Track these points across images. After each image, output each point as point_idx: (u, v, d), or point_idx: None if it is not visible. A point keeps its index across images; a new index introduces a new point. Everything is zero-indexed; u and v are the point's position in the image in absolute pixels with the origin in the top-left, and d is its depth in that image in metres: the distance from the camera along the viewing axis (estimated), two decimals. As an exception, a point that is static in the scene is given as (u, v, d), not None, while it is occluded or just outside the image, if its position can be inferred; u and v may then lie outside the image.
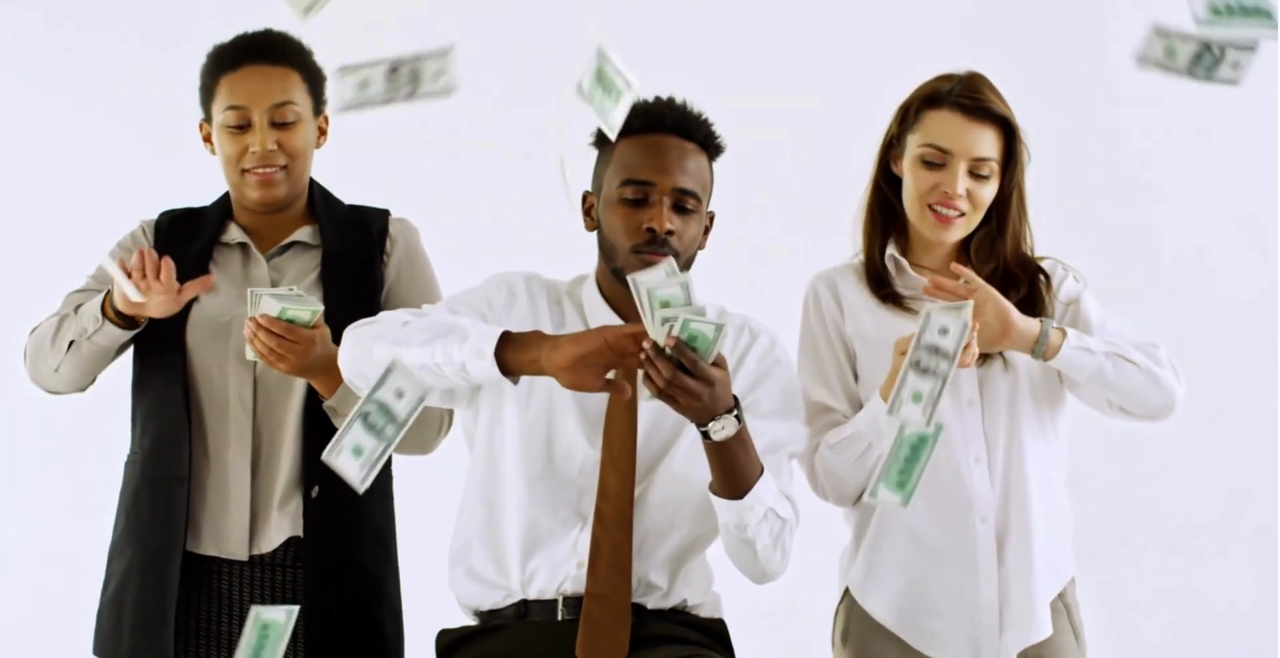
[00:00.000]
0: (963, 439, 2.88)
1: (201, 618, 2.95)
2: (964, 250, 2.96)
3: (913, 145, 2.91)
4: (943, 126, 2.88)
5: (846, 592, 2.97)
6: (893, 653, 2.91)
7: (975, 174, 2.87)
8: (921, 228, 2.92)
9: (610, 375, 2.52)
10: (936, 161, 2.87)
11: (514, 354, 2.52)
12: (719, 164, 2.81)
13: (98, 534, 3.07)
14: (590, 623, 2.67)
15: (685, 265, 2.73)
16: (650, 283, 2.45)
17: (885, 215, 2.97)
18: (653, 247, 2.68)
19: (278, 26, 3.00)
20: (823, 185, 4.49)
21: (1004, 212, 2.92)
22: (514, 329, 2.57)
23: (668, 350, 2.46)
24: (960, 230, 2.91)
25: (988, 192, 2.89)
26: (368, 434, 2.21)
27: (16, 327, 3.09)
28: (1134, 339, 2.86)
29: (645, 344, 2.46)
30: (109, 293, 2.88)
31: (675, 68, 4.31)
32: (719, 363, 2.50)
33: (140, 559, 2.94)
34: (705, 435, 2.55)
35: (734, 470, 2.59)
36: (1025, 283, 2.92)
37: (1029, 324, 2.80)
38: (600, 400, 2.73)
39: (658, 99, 2.77)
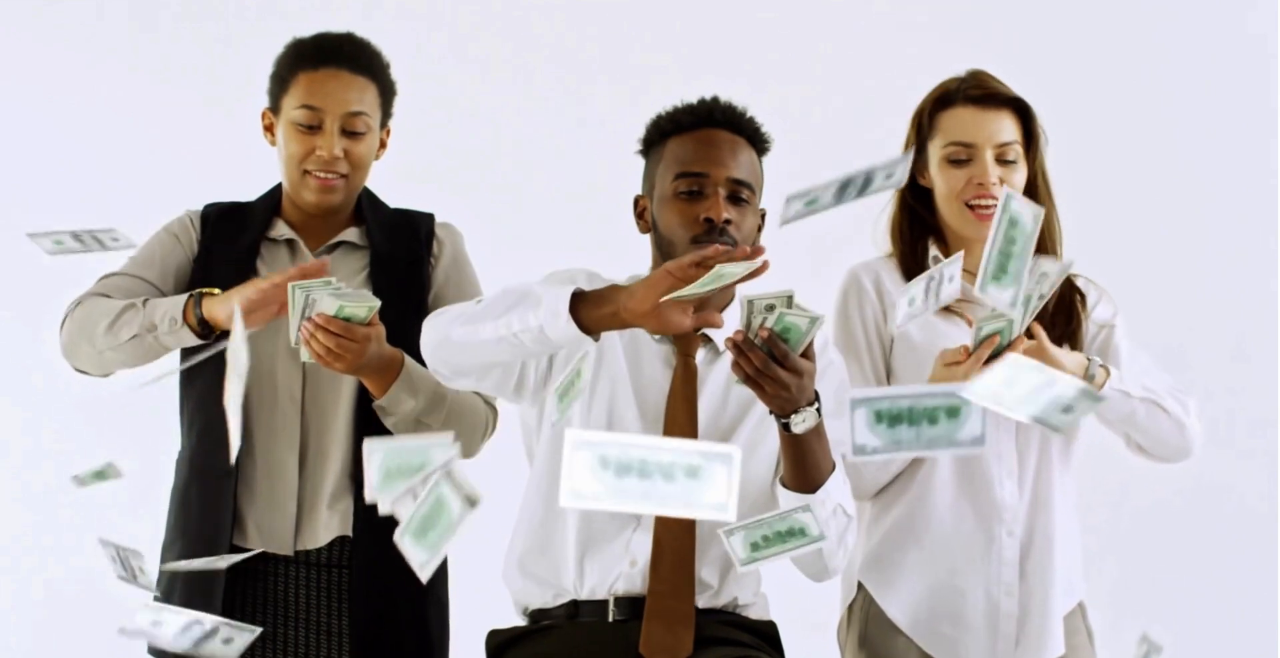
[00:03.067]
0: (997, 452, 2.90)
1: (247, 614, 2.93)
2: None
3: (936, 150, 2.93)
4: (960, 123, 2.92)
5: (860, 590, 2.96)
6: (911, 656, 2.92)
7: (1002, 161, 2.90)
8: (963, 228, 2.93)
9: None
10: (963, 158, 2.90)
11: (589, 310, 2.49)
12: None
13: (153, 534, 3.05)
14: (654, 622, 2.68)
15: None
16: (756, 296, 2.46)
17: (915, 226, 2.97)
18: (710, 236, 2.67)
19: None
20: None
21: (1033, 198, 2.92)
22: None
23: (758, 341, 2.46)
24: None
25: (1018, 177, 2.91)
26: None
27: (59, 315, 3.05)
28: (1168, 385, 2.89)
29: (735, 337, 2.46)
30: (192, 299, 2.85)
31: (703, 70, 4.39)
32: (808, 355, 2.50)
33: (190, 554, 2.91)
34: (785, 428, 2.54)
35: (810, 464, 2.59)
36: (1057, 293, 2.92)
37: (1076, 361, 2.81)
38: (659, 400, 2.74)
39: (702, 99, 2.79)
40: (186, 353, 2.93)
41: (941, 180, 2.93)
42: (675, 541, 2.69)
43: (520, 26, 4.64)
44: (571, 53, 4.62)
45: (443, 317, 2.66)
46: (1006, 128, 2.91)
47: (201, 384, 2.96)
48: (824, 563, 2.69)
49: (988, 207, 2.88)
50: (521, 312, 2.53)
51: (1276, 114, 4.56)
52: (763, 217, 2.81)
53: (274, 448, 2.93)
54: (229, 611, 2.89)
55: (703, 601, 2.73)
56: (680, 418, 2.71)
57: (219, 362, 2.89)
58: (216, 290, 2.86)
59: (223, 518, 2.91)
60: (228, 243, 3.00)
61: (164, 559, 2.98)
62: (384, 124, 3.03)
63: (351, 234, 3.04)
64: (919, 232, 2.97)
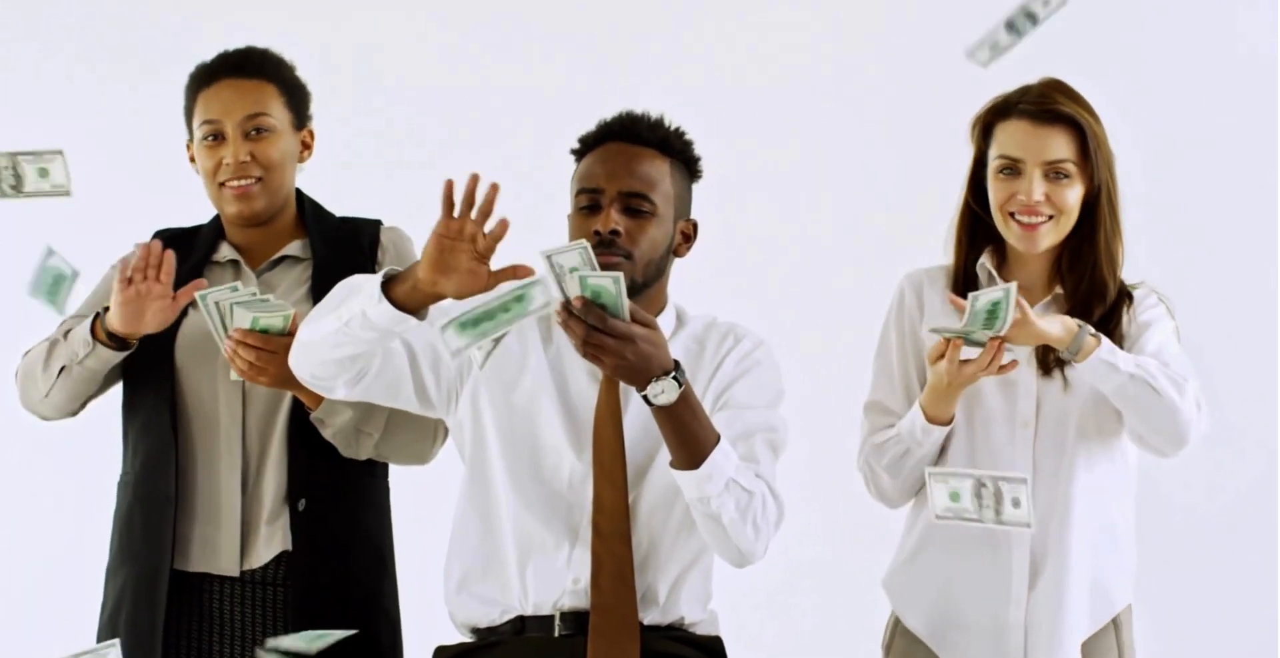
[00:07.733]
0: (1010, 461, 2.85)
1: (191, 638, 2.95)
2: (1058, 263, 2.91)
3: (991, 158, 2.90)
4: (1011, 136, 2.87)
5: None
6: None
7: (1053, 177, 2.84)
8: (1008, 237, 2.88)
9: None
10: (1012, 170, 2.86)
11: (397, 287, 2.55)
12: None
13: (96, 557, 3.07)
14: (599, 637, 2.67)
15: (648, 269, 2.72)
16: (551, 251, 2.47)
17: (975, 229, 2.94)
18: (599, 248, 2.64)
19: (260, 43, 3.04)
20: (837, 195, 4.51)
21: (1092, 215, 2.87)
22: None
23: (576, 311, 2.48)
24: (1049, 237, 2.85)
25: (1070, 193, 2.85)
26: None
27: (9, 352, 3.08)
28: (1169, 369, 2.78)
29: (555, 308, 2.50)
30: (98, 316, 2.88)
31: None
32: (646, 322, 2.53)
33: (133, 580, 2.94)
34: (648, 402, 2.56)
35: (687, 438, 2.59)
36: (1109, 302, 2.87)
37: (1064, 326, 2.74)
38: (587, 411, 2.74)
39: (618, 114, 2.79)
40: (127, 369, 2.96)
41: (992, 189, 2.89)
42: (611, 553, 2.69)
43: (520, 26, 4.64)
44: (560, 53, 4.62)
45: (303, 326, 2.68)
46: (1058, 145, 2.84)
47: (144, 411, 2.98)
48: (734, 545, 2.66)
49: (1032, 224, 2.83)
50: (349, 302, 2.58)
51: (1277, 114, 4.50)
52: (694, 228, 2.81)
53: (217, 470, 2.94)
54: (173, 631, 2.91)
55: (650, 617, 2.73)
56: (608, 432, 2.71)
57: (162, 388, 2.94)
58: None
59: (164, 544, 2.92)
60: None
61: (108, 585, 3.01)
62: (301, 125, 3.04)
63: (294, 248, 3.04)
64: (982, 239, 2.93)
